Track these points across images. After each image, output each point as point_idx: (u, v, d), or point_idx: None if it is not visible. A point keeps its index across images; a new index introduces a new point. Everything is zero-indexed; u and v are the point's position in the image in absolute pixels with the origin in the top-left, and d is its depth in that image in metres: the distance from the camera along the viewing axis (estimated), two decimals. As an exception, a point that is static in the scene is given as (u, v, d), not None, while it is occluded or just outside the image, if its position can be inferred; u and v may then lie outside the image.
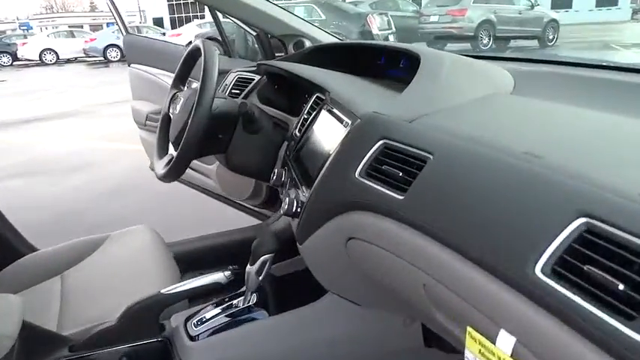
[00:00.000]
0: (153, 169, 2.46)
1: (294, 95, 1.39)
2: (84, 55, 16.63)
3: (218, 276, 1.02)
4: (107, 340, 0.94)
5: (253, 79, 1.46)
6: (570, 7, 19.49)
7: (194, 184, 2.20)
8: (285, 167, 1.03)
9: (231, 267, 1.05)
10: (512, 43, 11.80)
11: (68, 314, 1.12)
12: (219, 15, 1.78)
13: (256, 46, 1.90)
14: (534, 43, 11.72)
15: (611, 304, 0.40)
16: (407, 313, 0.97)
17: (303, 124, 1.06)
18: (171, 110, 1.30)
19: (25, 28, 28.62)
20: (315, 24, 1.60)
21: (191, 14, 27.45)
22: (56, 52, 16.65)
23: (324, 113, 0.98)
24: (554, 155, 0.58)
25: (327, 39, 1.59)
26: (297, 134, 1.06)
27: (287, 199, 0.87)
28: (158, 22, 27.28)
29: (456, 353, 0.91)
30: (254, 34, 1.71)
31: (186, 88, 1.32)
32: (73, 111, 6.96)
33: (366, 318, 0.96)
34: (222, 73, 1.55)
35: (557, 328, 0.44)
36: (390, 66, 1.34)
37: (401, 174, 0.68)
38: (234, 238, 1.73)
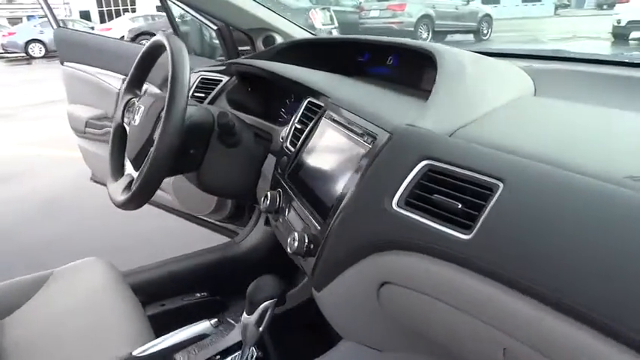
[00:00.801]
0: (96, 181, 2.21)
1: (270, 99, 1.22)
2: (2, 51, 15.33)
3: (204, 326, 0.84)
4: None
5: (220, 81, 1.26)
6: (498, 3, 20.27)
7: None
8: (279, 189, 0.86)
9: (215, 320, 0.86)
10: (449, 37, 12.08)
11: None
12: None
13: (215, 41, 1.70)
14: (470, 37, 12.06)
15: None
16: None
17: (296, 136, 0.89)
18: (126, 120, 1.08)
19: None
20: (287, 17, 1.42)
21: (121, 7, 26.14)
22: (-32, 49, 15.27)
23: (326, 123, 0.81)
24: None
25: (299, 33, 1.42)
26: (290, 148, 0.88)
27: (294, 234, 0.70)
28: (85, 15, 25.71)
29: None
30: (215, 28, 1.51)
31: (143, 93, 1.11)
32: (-7, 113, 6.32)
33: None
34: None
35: None
36: (374, 64, 1.21)
37: (460, 206, 0.53)
38: (200, 261, 1.53)
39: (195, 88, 1.32)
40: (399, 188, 0.59)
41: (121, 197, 0.95)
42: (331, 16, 10.55)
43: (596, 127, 0.67)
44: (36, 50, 14.68)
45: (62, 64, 2.02)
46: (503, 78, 0.85)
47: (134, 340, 0.94)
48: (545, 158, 0.52)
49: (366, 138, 0.67)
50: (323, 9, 10.54)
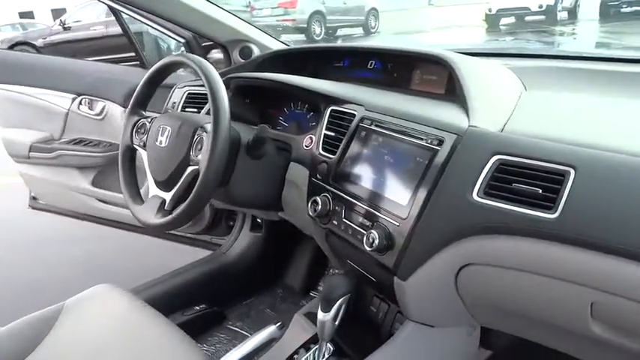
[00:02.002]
0: (36, 207, 2.06)
1: (267, 107, 1.26)
2: None
3: (270, 331, 0.88)
4: None
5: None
6: (373, -6, 21.21)
7: (107, 219, 1.88)
8: (324, 194, 0.92)
9: (280, 323, 0.91)
10: (340, 32, 12.50)
11: None
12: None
13: (174, 54, 1.68)
14: (359, 31, 12.57)
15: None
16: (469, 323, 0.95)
17: (328, 143, 0.96)
18: (136, 142, 1.07)
19: None
20: (262, 29, 1.46)
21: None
22: None
23: (365, 129, 0.89)
24: None
25: (274, 44, 1.47)
26: (325, 154, 0.95)
27: (371, 233, 0.77)
28: None
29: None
30: (183, 41, 1.50)
31: (151, 114, 1.10)
32: None
33: (440, 337, 0.92)
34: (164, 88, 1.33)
35: None
36: (356, 67, 1.30)
37: (540, 191, 0.65)
38: (192, 275, 1.53)
39: (184, 103, 1.31)
40: (477, 181, 0.69)
41: (157, 219, 0.94)
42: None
43: (608, 112, 0.83)
44: None
45: (-10, 86, 1.85)
46: (504, 77, 0.98)
47: (186, 355, 0.95)
48: (600, 145, 0.65)
49: (429, 141, 0.77)
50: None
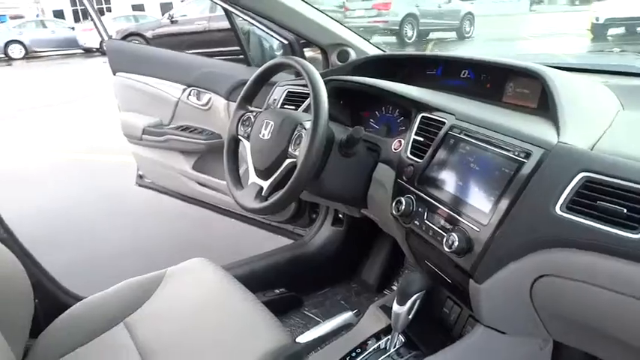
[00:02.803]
0: (142, 185, 2.29)
1: (360, 110, 1.34)
2: (-21, 52, 14.99)
3: (346, 317, 0.96)
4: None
5: (308, 94, 1.37)
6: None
7: (203, 201, 2.06)
8: (408, 195, 0.98)
9: (356, 310, 0.98)
10: (432, 35, 12.31)
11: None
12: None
13: (277, 53, 1.81)
14: (453, 35, 12.29)
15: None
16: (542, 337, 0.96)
17: (416, 147, 1.01)
18: (240, 133, 1.19)
19: None
20: (359, 33, 1.53)
21: (95, 6, 25.61)
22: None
23: (454, 137, 0.93)
24: None
25: (369, 48, 1.54)
26: (413, 158, 1.00)
27: (452, 235, 0.82)
28: (58, 14, 25.16)
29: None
30: (285, 42, 1.62)
31: (255, 108, 1.21)
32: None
33: (511, 345, 0.94)
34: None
35: None
36: (448, 76, 1.33)
37: (625, 211, 0.66)
38: (276, 259, 1.65)
39: (284, 100, 1.42)
40: (560, 196, 0.72)
41: (255, 204, 1.05)
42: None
43: None
44: (16, 51, 14.39)
45: (114, 74, 2.09)
46: (600, 95, 0.98)
47: (271, 331, 1.05)
48: None
49: (516, 153, 0.80)
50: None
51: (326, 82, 1.32)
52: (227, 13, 1.73)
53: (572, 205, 0.71)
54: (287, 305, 1.56)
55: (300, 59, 1.05)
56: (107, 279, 1.28)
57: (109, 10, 21.65)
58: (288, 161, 1.02)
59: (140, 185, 2.33)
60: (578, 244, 0.70)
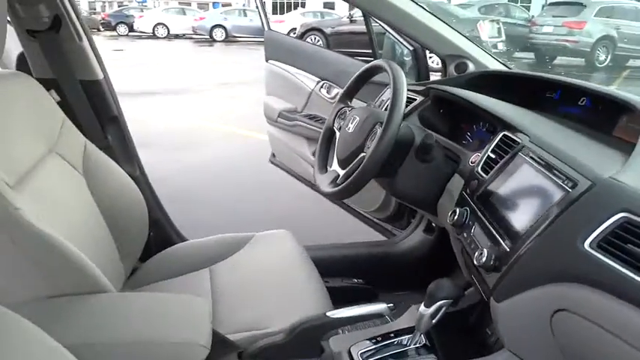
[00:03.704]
0: (273, 163, 2.55)
1: (457, 121, 1.35)
2: (191, 33, 17.49)
3: (380, 307, 1.02)
4: (273, 354, 0.96)
5: (415, 99, 1.42)
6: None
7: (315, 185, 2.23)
8: (465, 207, 0.99)
9: (391, 304, 1.03)
10: (631, 62, 10.88)
11: (222, 313, 1.16)
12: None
13: (405, 58, 1.87)
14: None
15: None
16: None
17: (488, 164, 1.01)
18: (336, 125, 1.30)
19: (141, 1, 30.51)
20: (481, 46, 1.52)
21: (292, 1, 27.89)
22: (167, 27, 17.66)
23: (522, 159, 0.92)
24: None
25: (490, 62, 1.52)
26: (481, 173, 1.01)
27: (484, 250, 0.83)
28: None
29: None
30: (411, 48, 1.68)
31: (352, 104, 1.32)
32: (184, 88, 7.33)
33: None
34: (381, 85, 1.54)
35: None
36: (566, 102, 1.26)
37: (652, 256, 0.62)
38: (362, 251, 1.73)
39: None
40: (593, 232, 0.69)
41: (328, 189, 1.16)
42: (499, 29, 10.21)
43: None
44: (218, 34, 16.52)
45: (267, 61, 2.36)
46: None
47: (317, 303, 1.15)
48: None
49: (566, 181, 0.78)
50: (492, 21, 10.23)
51: (428, 89, 1.37)
52: (365, 17, 1.85)
53: (602, 244, 0.68)
54: (360, 296, 1.63)
55: (391, 63, 1.12)
56: (210, 229, 1.52)
57: (303, 5, 23.43)
58: (362, 154, 1.11)
59: (272, 163, 2.59)
60: (598, 284, 0.67)
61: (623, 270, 0.64)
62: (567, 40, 10.63)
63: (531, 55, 11.48)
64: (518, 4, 14.73)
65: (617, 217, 0.68)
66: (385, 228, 1.97)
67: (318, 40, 10.87)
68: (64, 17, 1.23)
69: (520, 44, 11.37)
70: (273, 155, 2.59)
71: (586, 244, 0.69)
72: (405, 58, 1.89)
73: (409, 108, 1.42)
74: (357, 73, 1.27)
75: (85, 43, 1.30)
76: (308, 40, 11.05)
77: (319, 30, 11.08)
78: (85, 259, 0.89)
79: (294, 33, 11.91)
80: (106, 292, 0.90)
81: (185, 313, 0.88)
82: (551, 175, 0.82)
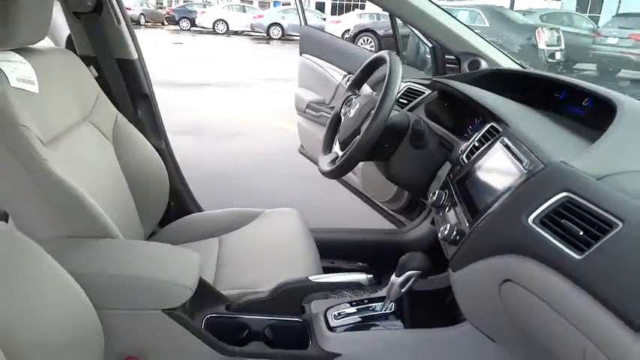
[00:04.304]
0: (302, 153, 2.66)
1: (462, 115, 1.40)
2: (249, 30, 17.97)
3: (360, 277, 1.09)
4: (257, 308, 1.06)
5: (423, 92, 1.49)
6: None
7: (338, 176, 2.32)
8: (446, 190, 1.05)
9: (371, 274, 1.11)
10: None
11: (223, 275, 1.27)
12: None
13: (428, 56, 1.93)
14: None
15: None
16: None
17: (472, 152, 1.07)
18: (343, 111, 1.38)
19: (204, -3, 31.58)
20: (495, 45, 1.56)
21: (352, 2, 28.02)
22: (227, 24, 18.24)
23: (498, 146, 0.98)
24: None
25: (504, 61, 1.56)
26: (465, 160, 1.07)
27: (447, 224, 0.90)
28: (320, 7, 28.28)
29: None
30: (430, 45, 1.73)
31: (360, 92, 1.40)
32: (235, 82, 7.60)
33: (498, 356, 0.96)
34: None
35: None
36: (571, 102, 1.28)
37: (582, 233, 0.67)
38: (370, 237, 1.80)
39: (401, 95, 1.56)
40: (537, 209, 0.75)
41: (327, 168, 1.25)
42: (559, 38, 9.90)
43: None
44: (275, 32, 16.90)
45: (301, 54, 2.47)
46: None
47: (309, 273, 1.24)
48: None
49: (525, 164, 0.83)
50: (552, 29, 9.92)
51: (434, 83, 1.43)
52: (390, 17, 1.92)
53: (545, 220, 0.74)
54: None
55: (392, 54, 1.19)
56: (222, 204, 1.64)
57: (362, 7, 23.47)
58: (357, 138, 1.19)
59: (300, 152, 2.70)
60: (537, 256, 0.72)
61: (558, 244, 0.69)
62: (632, 53, 10.16)
63: (593, 66, 11.03)
64: (586, 15, 14.18)
65: (559, 196, 0.73)
66: (398, 219, 2.03)
67: (371, 42, 10.93)
68: (106, 2, 1.39)
69: (582, 55, 10.95)
70: (302, 146, 2.69)
71: (530, 220, 0.75)
72: (427, 56, 1.95)
73: (417, 100, 1.49)
74: (364, 64, 1.35)
75: (124, 25, 1.45)
76: (360, 41, 11.12)
77: (372, 31, 11.11)
78: (99, 208, 1.02)
79: (348, 34, 12.02)
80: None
81: (178, 260, 1.00)
82: (515, 160, 0.88)
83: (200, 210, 1.68)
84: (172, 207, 1.58)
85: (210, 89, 6.89)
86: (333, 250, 1.70)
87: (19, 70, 1.05)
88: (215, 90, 6.87)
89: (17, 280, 0.74)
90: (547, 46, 9.58)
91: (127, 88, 1.50)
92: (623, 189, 0.71)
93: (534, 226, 0.74)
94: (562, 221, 0.70)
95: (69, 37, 1.52)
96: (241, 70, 9.00)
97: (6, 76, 0.99)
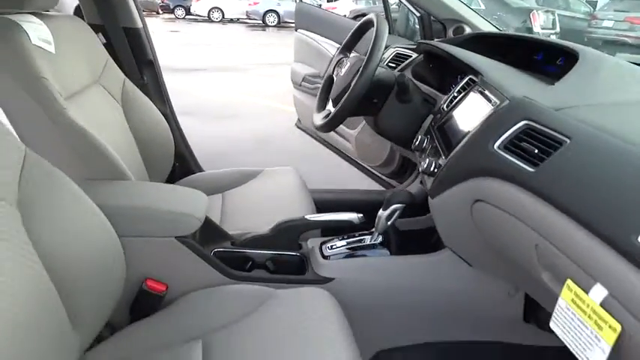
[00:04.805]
0: (299, 127, 2.76)
1: (446, 75, 1.51)
2: (245, 17, 17.93)
3: (351, 216, 1.20)
4: (259, 244, 1.18)
5: (410, 56, 1.59)
6: None
7: (332, 145, 2.43)
8: (427, 135, 1.17)
9: (361, 215, 1.22)
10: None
11: (227, 222, 1.39)
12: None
13: (417, 27, 2.03)
14: None
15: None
16: (513, 282, 1.06)
17: (452, 101, 1.18)
18: (335, 72, 1.49)
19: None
20: (479, 13, 1.67)
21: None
22: (222, 11, 18.18)
23: (473, 94, 1.09)
24: None
25: (487, 28, 1.66)
26: (445, 109, 1.18)
27: (427, 159, 1.01)
28: (316, -7, 28.10)
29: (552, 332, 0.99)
30: (418, 15, 1.83)
31: (351, 55, 1.50)
32: (231, 67, 7.67)
33: (474, 279, 1.08)
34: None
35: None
36: (547, 62, 1.39)
37: (536, 151, 0.78)
38: (363, 197, 1.91)
39: (390, 59, 1.67)
40: (501, 136, 0.86)
41: (320, 122, 1.36)
42: (554, 21, 9.95)
43: None
44: (271, 19, 16.88)
45: (296, 30, 2.56)
46: (633, 84, 1.00)
47: (302, 212, 1.36)
48: (612, 131, 0.74)
49: (493, 102, 0.94)
50: (547, 12, 9.98)
51: (420, 45, 1.53)
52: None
53: (508, 145, 0.85)
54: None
55: (380, 17, 1.29)
56: (224, 165, 1.75)
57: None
58: (348, 92, 1.30)
59: (298, 127, 2.80)
60: (503, 176, 0.84)
61: (517, 162, 0.80)
62: (628, 36, 10.22)
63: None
64: (583, -1, 14.21)
65: (520, 124, 0.85)
66: (389, 184, 2.15)
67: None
68: None
69: (578, 38, 11.01)
70: (299, 120, 2.80)
71: (495, 146, 0.86)
72: (416, 26, 2.05)
73: (405, 64, 1.59)
74: (354, 28, 1.45)
75: (129, -4, 1.55)
76: (357, 26, 11.15)
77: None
78: (115, 154, 1.13)
79: (344, 20, 12.04)
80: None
81: (188, 196, 1.11)
82: (487, 101, 0.99)
83: (201, 170, 1.79)
84: (177, 167, 1.69)
85: (207, 74, 6.96)
86: (328, 207, 1.81)
87: (39, 31, 1.15)
88: (213, 75, 6.95)
89: (54, 209, 0.85)
90: (542, 29, 9.63)
91: (133, 55, 1.60)
92: (578, 118, 0.82)
93: (499, 151, 0.85)
94: (522, 144, 0.82)
95: (77, 8, 1.62)
96: (237, 56, 9.05)
97: (28, 35, 1.09)
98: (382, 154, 1.99)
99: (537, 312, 1.10)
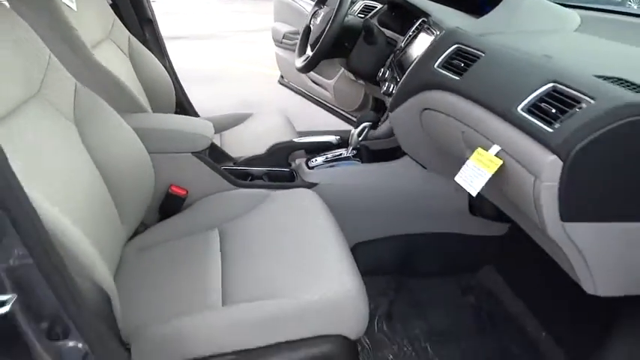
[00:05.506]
0: (281, 83, 3.00)
1: (406, 21, 1.77)
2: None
3: (331, 138, 1.49)
4: (256, 163, 1.46)
5: (376, 7, 1.85)
6: None
7: (310, 95, 2.69)
8: (389, 68, 1.44)
9: (339, 137, 1.50)
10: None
11: (226, 149, 1.66)
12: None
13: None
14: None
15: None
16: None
17: (408, 40, 1.45)
18: (312, 23, 1.74)
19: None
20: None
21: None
22: (196, -20, 17.88)
23: (423, 33, 1.36)
24: (560, 57, 0.94)
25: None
26: (402, 46, 1.45)
27: (387, 83, 1.29)
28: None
29: (495, 221, 1.31)
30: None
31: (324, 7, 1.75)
32: (210, 34, 7.77)
33: (429, 179, 1.37)
34: (353, 2, 1.96)
35: (524, 139, 0.83)
36: (488, 4, 1.66)
37: (462, 64, 1.07)
38: (345, 135, 2.19)
39: (360, 11, 1.92)
40: (439, 57, 1.14)
41: (300, 64, 1.62)
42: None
43: (575, 42, 1.12)
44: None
45: (276, -9, 2.78)
46: (552, 15, 1.28)
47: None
48: (517, 47, 1.02)
49: (435, 35, 1.22)
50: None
51: (384, -1, 1.79)
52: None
53: (444, 64, 1.13)
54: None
55: None
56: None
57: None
58: (322, 37, 1.56)
59: (280, 83, 3.04)
60: (442, 87, 1.12)
61: (450, 74, 1.09)
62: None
63: None
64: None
65: (452, 47, 1.13)
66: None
67: None
68: None
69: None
70: (282, 77, 3.03)
71: (435, 65, 1.14)
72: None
73: (372, 13, 1.85)
74: (328, -17, 1.70)
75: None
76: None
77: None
78: (134, 91, 1.38)
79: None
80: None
81: (198, 122, 1.38)
82: (432, 35, 1.26)
83: (198, 116, 2.05)
84: (176, 113, 1.94)
85: (187, 42, 7.07)
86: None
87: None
88: (192, 42, 7.06)
89: (102, 128, 1.10)
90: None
91: (135, 14, 1.82)
92: (491, 40, 1.10)
93: (438, 69, 1.13)
94: (453, 61, 1.10)
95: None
96: (215, 25, 9.10)
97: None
98: (357, 99, 2.26)
99: (482, 207, 1.41)
